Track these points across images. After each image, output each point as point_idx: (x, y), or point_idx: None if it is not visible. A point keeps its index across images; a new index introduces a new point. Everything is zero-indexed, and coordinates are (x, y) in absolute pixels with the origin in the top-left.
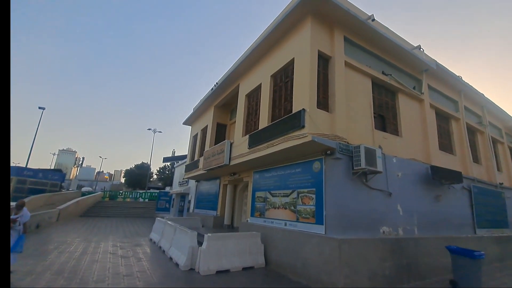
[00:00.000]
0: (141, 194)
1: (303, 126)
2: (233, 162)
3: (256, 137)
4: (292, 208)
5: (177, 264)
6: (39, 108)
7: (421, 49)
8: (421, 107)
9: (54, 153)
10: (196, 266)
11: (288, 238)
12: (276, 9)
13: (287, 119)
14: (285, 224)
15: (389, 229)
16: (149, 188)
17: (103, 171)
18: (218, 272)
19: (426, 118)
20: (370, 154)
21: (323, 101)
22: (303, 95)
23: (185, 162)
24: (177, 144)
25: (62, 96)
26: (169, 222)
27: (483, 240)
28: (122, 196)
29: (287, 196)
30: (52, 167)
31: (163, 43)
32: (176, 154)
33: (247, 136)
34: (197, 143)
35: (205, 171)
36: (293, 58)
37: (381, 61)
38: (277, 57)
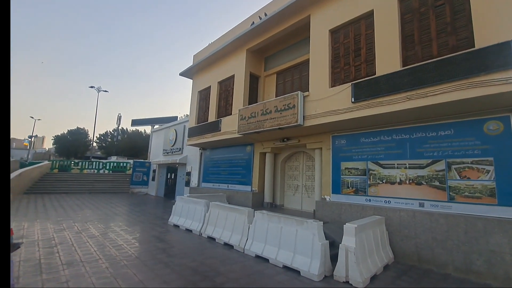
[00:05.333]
0: (104, 164)
1: None
2: (312, 122)
3: (374, 87)
4: (436, 183)
5: (287, 268)
6: None
7: None
8: None
9: None
10: (340, 273)
11: (437, 224)
12: None
13: (462, 57)
14: (421, 205)
15: None
16: (88, 158)
17: (36, 135)
18: (372, 278)
19: None
20: None
21: None
22: (504, 20)
23: (174, 125)
24: (128, 108)
25: None
26: (216, 203)
27: None
28: (79, 167)
29: (422, 167)
30: None
31: None
32: (122, 120)
33: (346, 85)
34: (214, 99)
35: (241, 135)
36: None
37: None
38: None
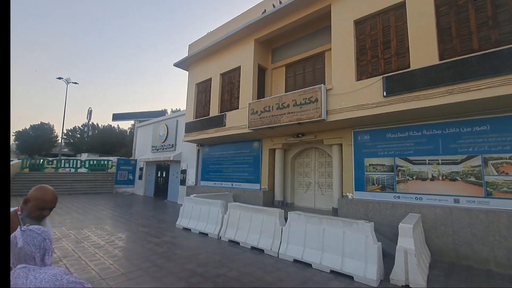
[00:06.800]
0: (82, 162)
1: None
2: (336, 117)
3: (409, 80)
4: (472, 179)
5: (336, 273)
6: None
7: None
8: None
9: None
10: (398, 277)
11: (477, 220)
12: None
13: (508, 51)
14: (456, 201)
15: None
16: (55, 155)
17: None
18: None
19: None
20: None
21: None
22: None
23: (164, 120)
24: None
25: None
26: (237, 203)
27: None
28: (53, 166)
29: (457, 163)
30: None
31: None
32: (93, 114)
33: (376, 79)
34: (216, 92)
35: (251, 131)
36: None
37: None
38: None
